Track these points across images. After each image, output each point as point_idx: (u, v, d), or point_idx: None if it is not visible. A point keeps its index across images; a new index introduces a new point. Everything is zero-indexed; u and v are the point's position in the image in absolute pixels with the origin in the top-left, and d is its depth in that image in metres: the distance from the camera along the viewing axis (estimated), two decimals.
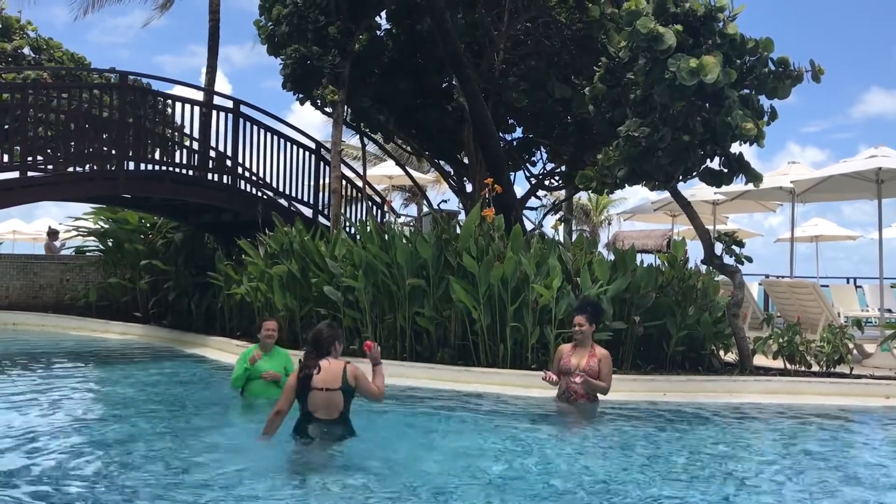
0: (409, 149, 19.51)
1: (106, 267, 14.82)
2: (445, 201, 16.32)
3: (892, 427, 7.38)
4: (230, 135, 12.75)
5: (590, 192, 11.70)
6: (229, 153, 12.74)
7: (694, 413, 7.44)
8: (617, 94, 9.25)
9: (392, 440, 5.49)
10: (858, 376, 8.66)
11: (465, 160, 15.17)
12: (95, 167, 11.57)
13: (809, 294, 11.16)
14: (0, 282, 15.73)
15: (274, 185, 13.22)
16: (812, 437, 6.78)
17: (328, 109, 14.64)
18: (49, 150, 11.65)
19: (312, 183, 13.78)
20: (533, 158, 16.46)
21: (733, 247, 9.33)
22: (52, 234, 18.68)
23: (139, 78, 13.51)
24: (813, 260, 21.77)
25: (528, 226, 14.58)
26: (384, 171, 22.71)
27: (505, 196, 11.89)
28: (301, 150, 13.64)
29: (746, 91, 8.72)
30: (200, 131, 12.80)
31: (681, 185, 9.44)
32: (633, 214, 20.49)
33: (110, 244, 14.53)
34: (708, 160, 8.91)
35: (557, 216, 19.33)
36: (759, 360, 9.21)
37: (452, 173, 16.21)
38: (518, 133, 16.14)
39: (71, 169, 11.45)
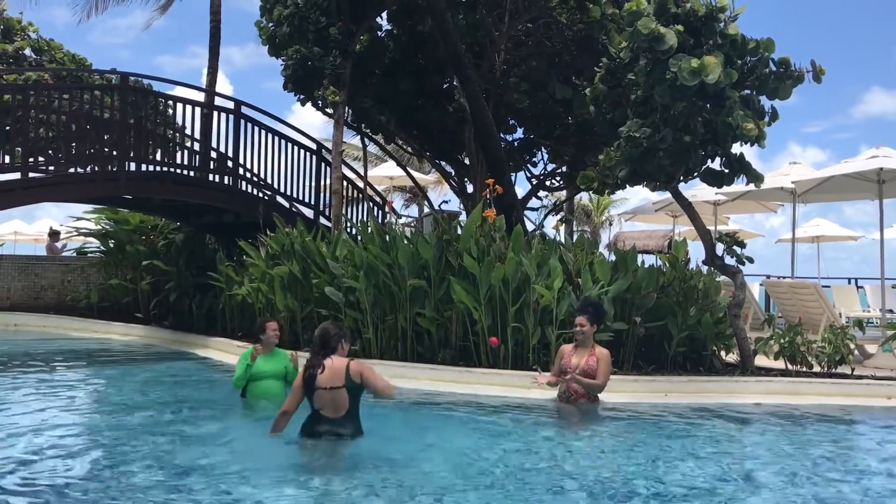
0: (409, 149, 19.51)
1: (107, 268, 14.84)
2: (446, 202, 16.38)
3: (894, 427, 7.37)
4: (231, 136, 12.76)
5: (591, 192, 11.70)
6: (230, 154, 12.75)
7: (695, 414, 7.43)
8: (618, 94, 9.24)
9: (393, 440, 5.49)
10: (860, 377, 8.66)
11: (466, 161, 15.17)
12: (97, 168, 11.58)
13: (811, 294, 11.15)
14: (1, 283, 15.74)
15: (275, 185, 13.23)
16: (813, 437, 6.77)
17: (329, 110, 14.64)
18: (50, 151, 11.65)
19: (313, 184, 13.79)
20: (534, 159, 16.47)
21: (734, 247, 9.33)
22: (54, 235, 18.70)
23: (140, 79, 13.51)
24: (814, 260, 21.79)
25: (530, 226, 14.59)
26: (385, 172, 22.72)
27: (506, 197, 11.89)
28: (302, 151, 13.65)
29: (747, 91, 8.71)
30: (201, 132, 12.81)
31: (682, 186, 9.44)
32: (634, 215, 20.48)
33: (112, 245, 14.54)
34: (709, 161, 8.91)
35: (558, 217, 19.36)
36: (761, 360, 9.20)
37: (453, 174, 16.21)
38: (519, 134, 16.15)
39: (72, 170, 11.47)
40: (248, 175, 13.01)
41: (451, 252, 9.23)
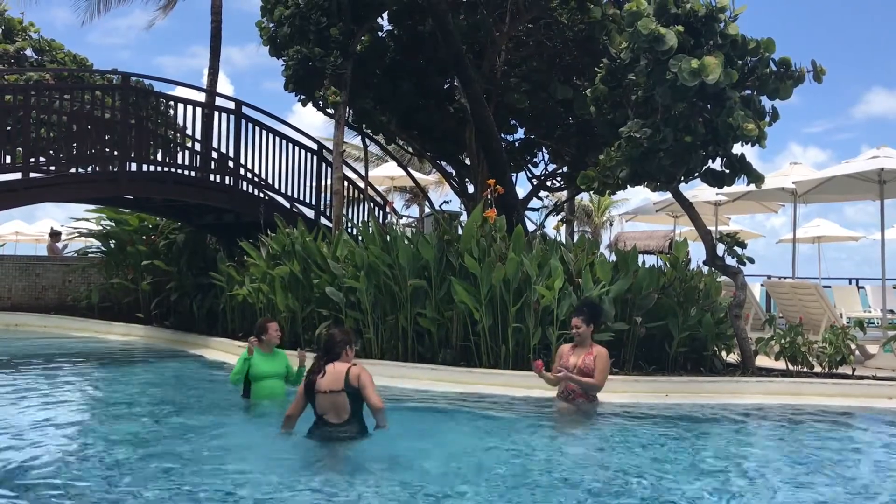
0: (410, 150, 19.51)
1: (108, 268, 14.85)
2: (447, 202, 16.39)
3: (895, 428, 7.37)
4: (232, 136, 12.77)
5: (591, 192, 11.70)
6: (231, 154, 12.76)
7: (696, 414, 7.43)
8: (618, 95, 9.24)
9: (393, 440, 5.49)
10: (861, 377, 8.65)
11: (467, 161, 15.17)
12: (97, 168, 11.60)
13: (811, 295, 11.15)
14: (2, 283, 15.75)
15: (276, 186, 13.24)
16: (814, 437, 6.77)
17: (330, 111, 14.65)
18: (51, 152, 11.65)
19: (314, 184, 13.80)
20: (535, 159, 16.47)
21: (735, 248, 9.33)
22: (55, 235, 18.71)
23: (141, 79, 13.53)
24: (815, 261, 21.86)
25: (530, 227, 14.59)
26: (386, 172, 22.72)
27: (507, 197, 11.89)
28: (303, 152, 13.66)
29: (748, 92, 8.71)
30: (202, 132, 12.82)
31: (682, 186, 9.44)
32: (635, 215, 20.46)
33: (112, 245, 14.56)
34: (710, 161, 8.91)
35: (559, 217, 19.38)
36: (762, 360, 9.20)
37: (454, 174, 16.21)
38: (520, 134, 16.15)
39: (73, 170, 11.48)
40: (249, 175, 13.02)
41: (452, 252, 9.23)
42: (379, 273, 9.47)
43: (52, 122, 11.95)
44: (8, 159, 10.57)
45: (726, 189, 10.61)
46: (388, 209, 14.98)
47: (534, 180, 16.46)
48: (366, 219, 13.89)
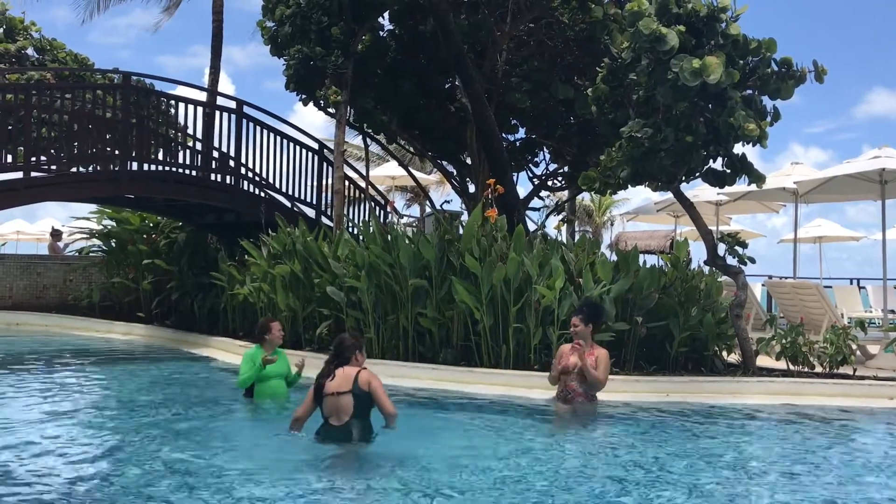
0: (411, 149, 19.51)
1: (109, 267, 14.85)
2: (448, 202, 16.40)
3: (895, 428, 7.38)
4: (233, 135, 12.77)
5: (592, 192, 11.68)
6: (232, 154, 12.76)
7: (697, 414, 7.43)
8: (620, 94, 9.24)
9: (393, 440, 5.49)
10: (862, 377, 8.65)
11: (468, 161, 15.17)
12: (99, 167, 11.60)
13: (812, 295, 11.14)
14: (4, 282, 15.76)
15: (277, 185, 13.24)
16: (814, 438, 6.76)
17: (331, 110, 14.65)
18: (52, 151, 11.66)
19: (315, 183, 13.80)
20: (536, 159, 16.47)
21: (736, 247, 9.32)
22: (55, 234, 18.72)
23: (142, 78, 13.54)
24: (816, 261, 21.80)
25: (531, 226, 14.58)
26: (387, 172, 22.73)
27: (508, 197, 11.89)
28: (304, 151, 13.66)
29: (749, 92, 8.71)
30: (203, 132, 12.82)
31: (683, 186, 9.43)
32: (636, 215, 20.47)
33: (113, 244, 14.56)
34: (711, 161, 8.90)
35: (560, 217, 19.38)
36: (763, 360, 9.20)
37: (455, 174, 16.21)
38: (521, 134, 16.15)
39: (74, 169, 11.49)
40: (250, 175, 13.02)
41: (453, 252, 9.23)
42: (380, 272, 9.47)
43: (53, 121, 11.96)
44: (9, 158, 10.57)
45: (727, 189, 10.61)
46: (389, 209, 14.97)
47: (535, 180, 16.46)
48: (367, 218, 13.89)
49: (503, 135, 14.91)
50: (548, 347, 8.76)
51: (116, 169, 11.49)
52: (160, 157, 12.37)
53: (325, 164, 13.94)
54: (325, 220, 13.53)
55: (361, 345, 5.81)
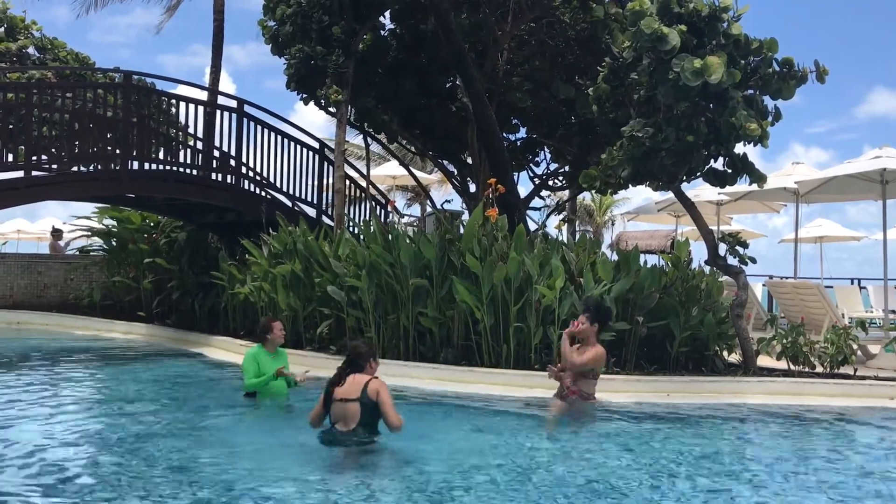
0: (412, 149, 19.50)
1: (110, 266, 14.86)
2: (449, 201, 16.36)
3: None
4: (234, 134, 12.77)
5: (593, 192, 11.68)
6: (233, 153, 12.76)
7: (697, 414, 7.43)
8: (621, 94, 9.23)
9: (393, 440, 5.49)
10: (862, 377, 8.65)
11: (469, 160, 15.17)
12: (99, 167, 11.61)
13: (813, 295, 11.13)
14: (4, 281, 15.77)
15: (277, 184, 13.24)
16: (815, 438, 6.77)
17: (332, 109, 14.66)
18: (53, 150, 11.67)
19: (316, 183, 13.80)
20: (536, 159, 16.46)
21: (737, 247, 9.31)
22: (56, 233, 18.72)
23: (143, 77, 13.54)
24: (817, 261, 21.78)
25: (532, 226, 14.58)
26: (388, 171, 22.72)
27: (508, 196, 11.88)
28: (305, 150, 13.66)
29: (750, 91, 8.70)
30: (204, 131, 12.81)
31: (684, 186, 9.43)
32: (637, 215, 20.45)
33: (114, 244, 14.56)
34: (712, 161, 8.90)
35: (561, 216, 19.38)
36: (763, 360, 9.20)
37: (456, 173, 16.21)
38: (522, 133, 16.14)
39: (75, 168, 11.49)
40: (251, 174, 13.02)
41: (454, 251, 9.23)
42: (380, 272, 9.46)
43: (54, 120, 11.98)
44: (10, 157, 10.58)
45: (728, 189, 10.60)
46: (389, 208, 14.97)
47: (535, 179, 16.46)
48: (367, 218, 13.89)
49: (504, 134, 14.91)
50: (548, 347, 8.76)
51: (117, 168, 11.49)
52: (161, 156, 12.37)
53: (325, 164, 13.94)
54: (325, 219, 13.53)
55: (375, 353, 5.81)
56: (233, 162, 12.75)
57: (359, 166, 17.49)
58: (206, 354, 11.07)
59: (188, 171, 12.57)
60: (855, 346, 9.11)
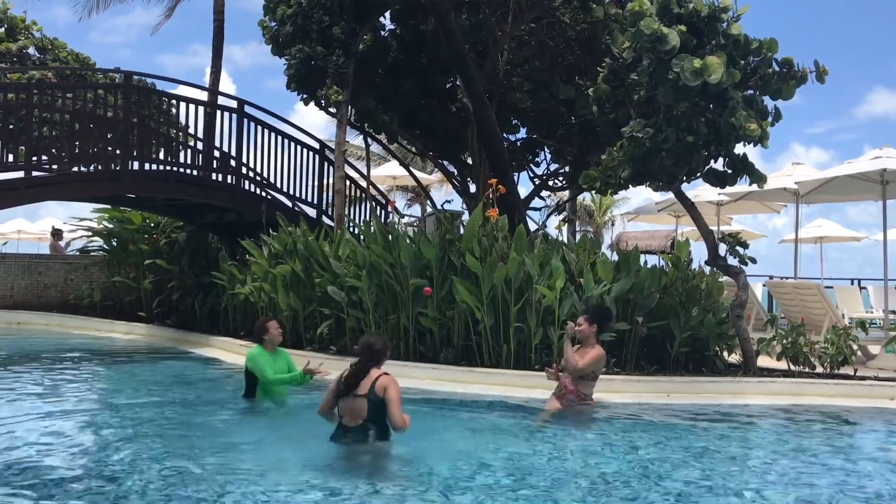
0: (413, 149, 19.51)
1: (110, 267, 14.86)
2: (449, 202, 16.38)
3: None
4: (234, 135, 12.77)
5: (593, 192, 11.69)
6: (233, 153, 12.76)
7: (697, 414, 7.42)
8: (621, 94, 9.23)
9: (393, 440, 5.49)
10: (862, 378, 8.65)
11: (469, 161, 15.17)
12: (100, 167, 11.61)
13: (813, 295, 11.13)
14: (5, 281, 15.78)
15: (278, 185, 13.24)
16: (815, 438, 6.77)
17: (332, 110, 14.67)
18: (53, 150, 11.67)
19: (316, 183, 13.81)
20: (537, 159, 16.47)
21: (737, 248, 9.31)
22: (56, 233, 18.73)
23: (143, 78, 13.54)
24: (817, 261, 21.80)
25: (532, 226, 14.59)
26: (388, 172, 22.73)
27: (508, 196, 11.88)
28: (305, 151, 13.67)
29: (750, 92, 8.71)
30: (204, 131, 12.82)
31: (684, 186, 9.43)
32: (637, 215, 20.46)
33: (114, 244, 14.56)
34: (712, 161, 8.90)
35: (561, 217, 19.40)
36: (763, 361, 9.20)
37: (456, 174, 16.21)
38: (522, 133, 16.16)
39: (75, 169, 11.50)
40: (251, 174, 13.02)
41: (454, 252, 9.23)
42: (381, 272, 9.47)
43: (54, 120, 11.98)
44: (10, 158, 10.58)
45: (728, 189, 10.59)
46: (390, 208, 14.97)
47: (536, 180, 16.46)
48: (368, 218, 13.89)
49: (504, 134, 14.91)
50: (548, 347, 8.76)
51: (117, 168, 11.49)
52: (161, 156, 12.38)
53: (326, 164, 13.95)
54: (326, 219, 13.53)
55: (388, 350, 5.75)
56: (233, 162, 12.75)
57: (359, 166, 17.51)
58: (206, 355, 11.07)
59: (188, 171, 12.57)
60: (855, 347, 9.11)
